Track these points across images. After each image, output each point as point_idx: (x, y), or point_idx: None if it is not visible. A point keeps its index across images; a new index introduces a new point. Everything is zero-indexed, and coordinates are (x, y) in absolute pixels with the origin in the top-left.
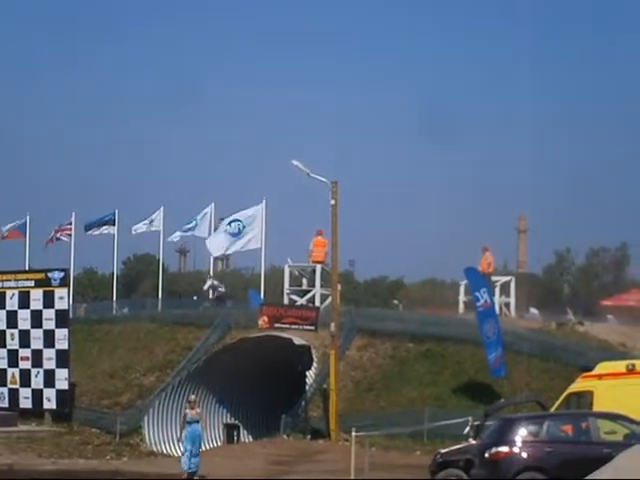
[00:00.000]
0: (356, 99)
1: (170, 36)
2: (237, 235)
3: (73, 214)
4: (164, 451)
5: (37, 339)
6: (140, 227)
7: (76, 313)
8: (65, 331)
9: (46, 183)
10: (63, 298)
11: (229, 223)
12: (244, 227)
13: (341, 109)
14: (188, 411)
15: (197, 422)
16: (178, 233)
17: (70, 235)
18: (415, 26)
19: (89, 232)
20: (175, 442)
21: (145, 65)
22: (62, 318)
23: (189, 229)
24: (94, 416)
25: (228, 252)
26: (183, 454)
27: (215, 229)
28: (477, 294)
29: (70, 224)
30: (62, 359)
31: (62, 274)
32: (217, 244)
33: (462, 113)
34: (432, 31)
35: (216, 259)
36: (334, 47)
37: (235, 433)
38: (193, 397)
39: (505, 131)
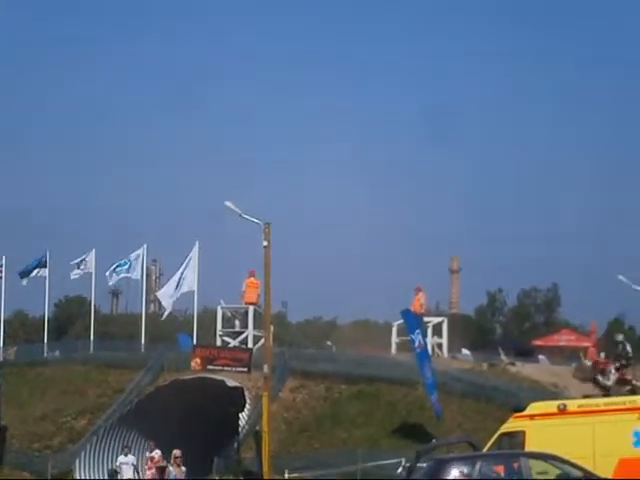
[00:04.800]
0: (287, 139)
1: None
2: (178, 285)
3: (3, 257)
4: None
5: None
6: (75, 272)
7: (6, 356)
8: None
9: None
10: None
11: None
12: (183, 275)
13: (268, 150)
14: (172, 469)
15: None
16: (111, 274)
17: (1, 278)
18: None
19: (25, 279)
20: None
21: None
22: None
23: (123, 271)
24: (25, 459)
25: (172, 300)
26: None
27: (145, 270)
28: (412, 336)
29: (0, 266)
30: None
31: None
32: (166, 300)
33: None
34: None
35: (148, 302)
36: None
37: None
38: (178, 452)
39: (438, 175)
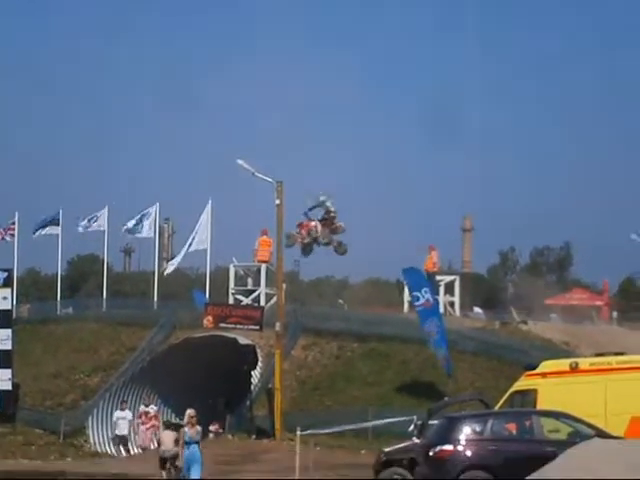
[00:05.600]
0: (301, 95)
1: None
2: (190, 244)
3: (16, 214)
4: (108, 452)
5: None
6: (85, 225)
7: (19, 313)
8: (8, 331)
9: None
10: (6, 298)
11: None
12: (196, 233)
13: (286, 108)
14: (187, 429)
15: (197, 443)
16: (125, 233)
17: (13, 235)
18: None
19: (36, 234)
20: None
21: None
22: (5, 318)
23: (134, 231)
24: (38, 417)
25: (181, 258)
26: None
27: (158, 229)
28: (416, 293)
29: (13, 224)
30: (5, 360)
31: (5, 274)
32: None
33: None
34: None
35: (160, 260)
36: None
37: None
38: (192, 411)
39: (452, 131)
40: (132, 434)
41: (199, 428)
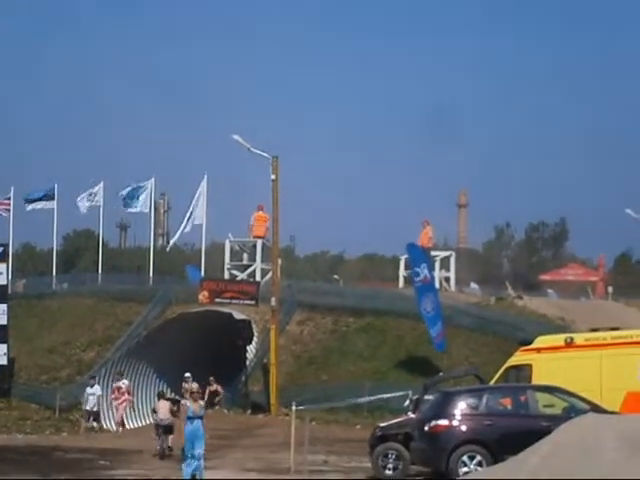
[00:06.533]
0: (299, 74)
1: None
2: (188, 220)
3: (12, 189)
4: (103, 427)
5: None
6: (83, 201)
7: (15, 288)
8: (4, 306)
9: None
10: (2, 273)
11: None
12: (193, 209)
13: (282, 84)
14: (189, 404)
15: (200, 418)
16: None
17: (9, 210)
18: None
19: (29, 207)
20: (112, 419)
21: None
22: (0, 293)
23: (131, 205)
24: (33, 391)
25: (178, 235)
26: (184, 460)
27: (153, 204)
28: (417, 269)
29: (9, 199)
30: (0, 334)
31: (0, 249)
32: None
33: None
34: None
35: (156, 236)
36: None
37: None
38: (195, 386)
39: (446, 108)
40: (103, 410)
41: (202, 403)
